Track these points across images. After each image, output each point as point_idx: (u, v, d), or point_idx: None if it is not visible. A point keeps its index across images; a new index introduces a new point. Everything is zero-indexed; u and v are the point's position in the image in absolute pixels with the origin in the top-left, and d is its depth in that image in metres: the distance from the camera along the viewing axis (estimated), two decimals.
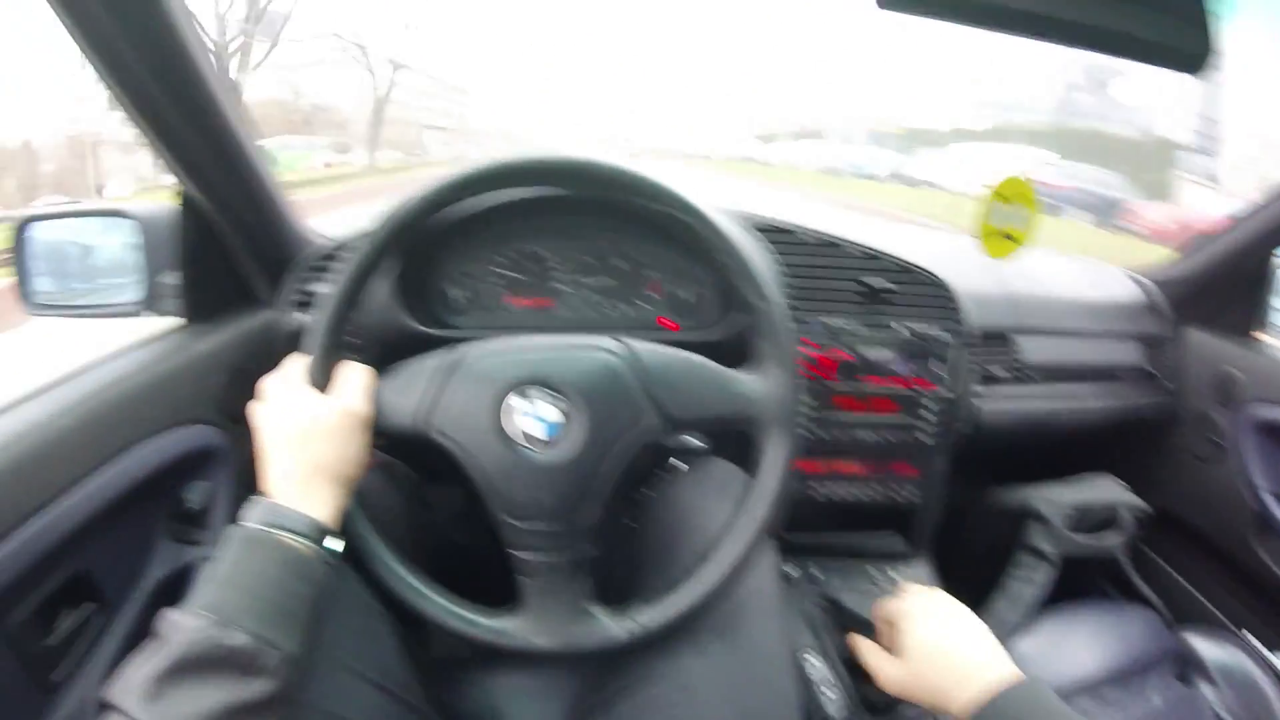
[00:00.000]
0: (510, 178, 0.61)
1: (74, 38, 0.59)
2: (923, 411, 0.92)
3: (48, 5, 0.57)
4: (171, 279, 0.82)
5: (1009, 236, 0.84)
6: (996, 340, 1.01)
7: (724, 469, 0.78)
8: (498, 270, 0.86)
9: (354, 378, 0.59)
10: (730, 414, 0.60)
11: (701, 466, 0.79)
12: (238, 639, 0.44)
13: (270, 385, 0.59)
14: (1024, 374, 1.02)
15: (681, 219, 0.61)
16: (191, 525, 0.80)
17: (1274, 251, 1.07)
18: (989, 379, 0.99)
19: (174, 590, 0.76)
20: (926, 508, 1.00)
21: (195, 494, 0.80)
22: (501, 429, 0.57)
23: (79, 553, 0.65)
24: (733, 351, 0.73)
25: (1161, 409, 1.15)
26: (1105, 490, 1.09)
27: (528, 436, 0.57)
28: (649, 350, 0.60)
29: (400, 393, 0.59)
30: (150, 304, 0.82)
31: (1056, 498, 1.07)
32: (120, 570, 0.73)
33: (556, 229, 0.85)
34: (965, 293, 0.94)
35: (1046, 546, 1.05)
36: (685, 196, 0.61)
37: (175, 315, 0.83)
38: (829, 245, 0.92)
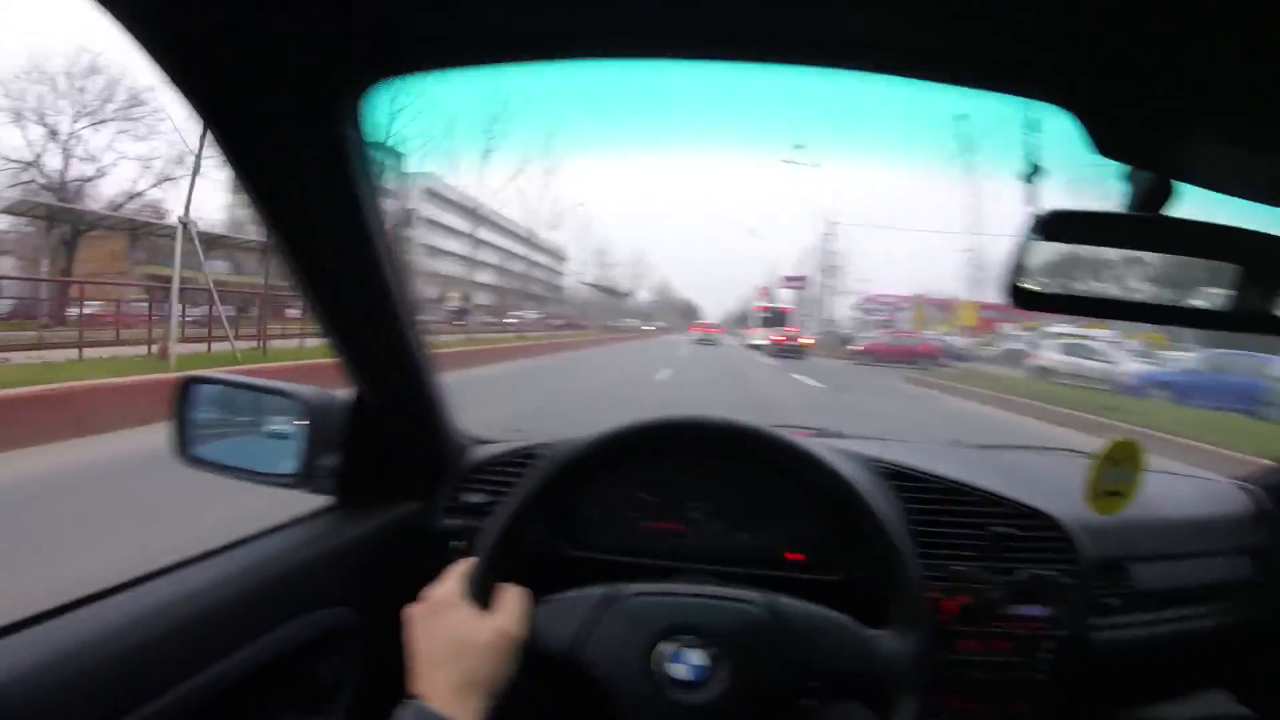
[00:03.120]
0: (674, 435, 0.70)
1: (275, 242, 0.68)
2: (1039, 652, 0.92)
3: (250, 208, 0.66)
4: (329, 461, 0.89)
5: (1116, 493, 0.89)
6: (1111, 570, 1.01)
7: (850, 712, 0.79)
8: (635, 493, 0.93)
9: (514, 600, 0.65)
10: (865, 672, 0.63)
11: (828, 709, 0.80)
12: None
13: (434, 594, 0.65)
14: (1136, 602, 1.02)
15: (832, 488, 0.68)
16: (318, 699, 0.83)
17: None
18: (1101, 609, 0.99)
19: None
20: None
21: (327, 670, 0.83)
22: (649, 670, 0.62)
23: (208, 716, 0.68)
24: (857, 591, 0.77)
25: (1276, 619, 1.12)
26: (1215, 704, 1.07)
27: (673, 680, 0.62)
28: (791, 606, 0.65)
29: (557, 619, 0.65)
30: (305, 481, 0.89)
31: (1164, 715, 1.05)
32: None
33: (693, 460, 0.92)
34: (1082, 524, 0.96)
35: None
36: (847, 477, 0.68)
37: (328, 495, 0.90)
38: (954, 491, 0.95)
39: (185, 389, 0.98)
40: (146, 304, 12.75)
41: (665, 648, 0.62)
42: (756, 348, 24.46)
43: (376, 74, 0.59)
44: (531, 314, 37.32)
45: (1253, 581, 1.12)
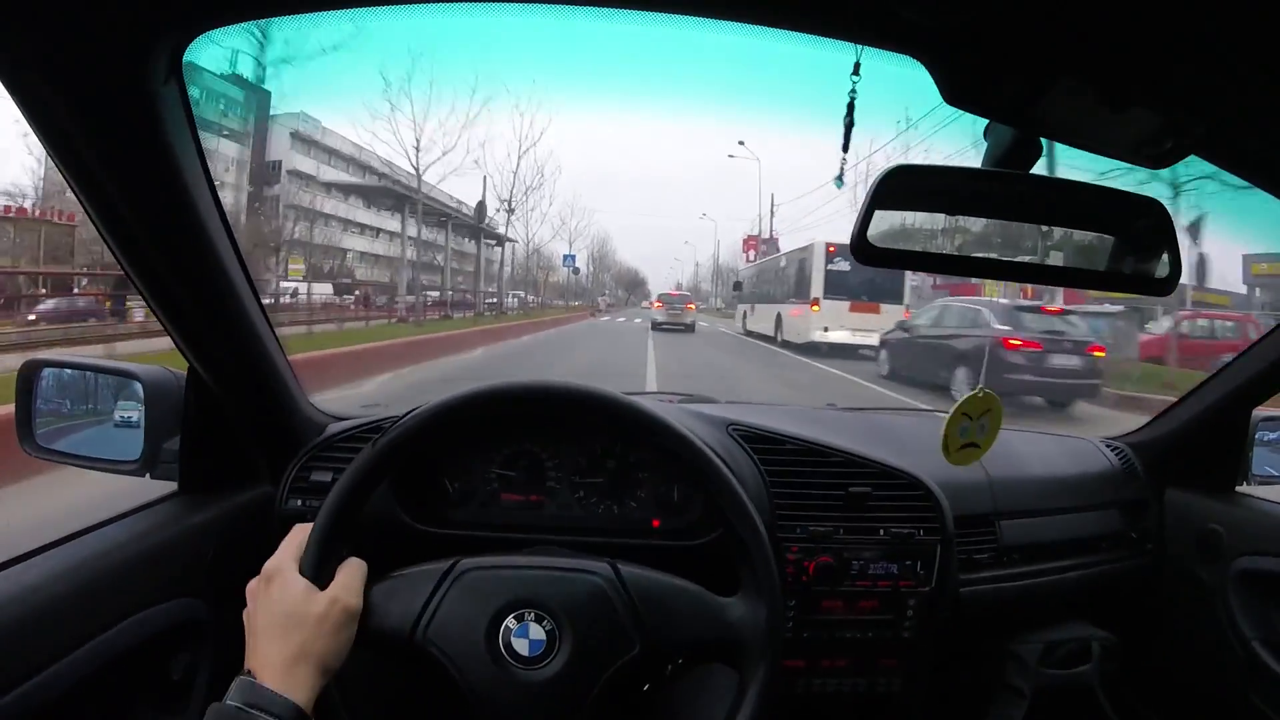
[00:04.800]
0: (509, 403, 0.67)
1: (89, 212, 0.63)
2: (905, 609, 0.94)
3: (64, 178, 0.60)
4: (173, 445, 0.83)
5: (973, 445, 0.90)
6: (978, 525, 1.03)
7: (712, 673, 0.79)
8: (494, 465, 0.90)
9: (351, 573, 0.62)
10: (714, 641, 0.63)
11: (688, 672, 0.79)
12: None
13: (270, 567, 0.62)
14: (1005, 556, 1.04)
15: (672, 448, 0.65)
16: (172, 697, 0.79)
17: (1251, 409, 1.11)
18: (970, 564, 1.00)
19: None
20: (909, 697, 1.00)
21: (177, 666, 0.79)
22: (493, 647, 0.60)
23: (60, 717, 0.65)
24: (716, 557, 0.75)
25: (1143, 570, 1.17)
26: (1076, 629, 1.12)
27: (516, 655, 0.60)
28: (637, 575, 0.63)
29: (395, 598, 0.62)
30: (149, 467, 0.84)
31: (1029, 636, 1.09)
32: None
33: (553, 430, 0.89)
34: (947, 481, 0.97)
35: (1021, 682, 1.07)
36: (677, 428, 0.66)
37: (173, 481, 0.85)
38: (814, 452, 0.95)
39: (28, 374, 0.91)
40: None
41: (510, 623, 0.61)
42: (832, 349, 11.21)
43: (193, 25, 0.54)
44: (325, 288, 20.14)
45: (1123, 534, 1.16)
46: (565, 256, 29.79)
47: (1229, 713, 1.07)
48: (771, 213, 25.69)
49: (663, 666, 0.76)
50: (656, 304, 19.28)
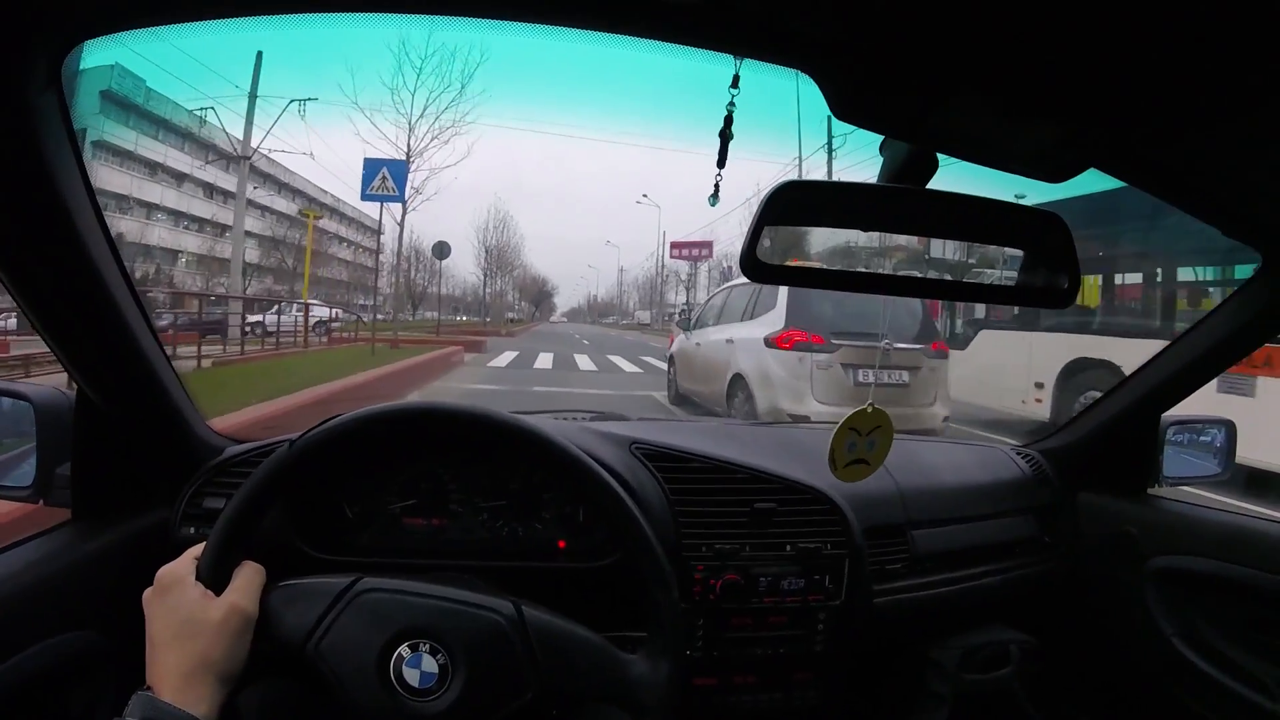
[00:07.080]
0: (409, 423, 0.67)
1: None
2: (815, 623, 0.94)
3: None
4: (66, 469, 0.80)
5: (861, 461, 0.91)
6: (890, 536, 1.05)
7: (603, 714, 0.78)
8: (395, 489, 0.88)
9: (249, 577, 0.61)
10: (611, 696, 0.62)
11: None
12: None
13: (164, 575, 0.60)
14: (919, 565, 1.05)
15: (570, 470, 0.66)
16: None
17: (1160, 413, 1.15)
18: (884, 575, 1.01)
19: None
20: (827, 709, 1.00)
21: (76, 701, 0.75)
22: (383, 673, 0.59)
23: None
24: (618, 576, 0.76)
25: (1059, 573, 1.20)
26: (994, 633, 1.14)
27: (405, 684, 0.59)
28: (540, 620, 0.62)
29: (292, 607, 0.61)
30: (42, 493, 0.80)
31: (948, 642, 1.11)
32: None
33: (454, 452, 0.88)
34: (856, 494, 0.98)
35: (941, 688, 1.08)
36: (577, 455, 0.66)
37: (66, 507, 0.81)
38: (718, 469, 0.95)
39: None
40: None
41: (404, 650, 0.59)
42: None
43: (74, 33, 0.52)
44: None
45: (1037, 538, 1.19)
46: (366, 162, 11.97)
47: (1151, 707, 1.11)
48: (830, 148, 14.45)
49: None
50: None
